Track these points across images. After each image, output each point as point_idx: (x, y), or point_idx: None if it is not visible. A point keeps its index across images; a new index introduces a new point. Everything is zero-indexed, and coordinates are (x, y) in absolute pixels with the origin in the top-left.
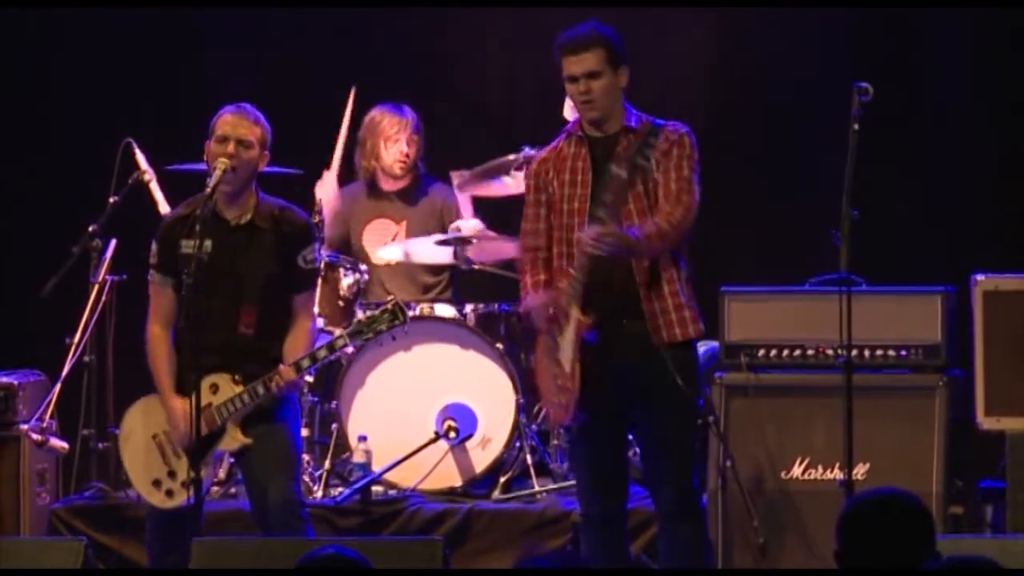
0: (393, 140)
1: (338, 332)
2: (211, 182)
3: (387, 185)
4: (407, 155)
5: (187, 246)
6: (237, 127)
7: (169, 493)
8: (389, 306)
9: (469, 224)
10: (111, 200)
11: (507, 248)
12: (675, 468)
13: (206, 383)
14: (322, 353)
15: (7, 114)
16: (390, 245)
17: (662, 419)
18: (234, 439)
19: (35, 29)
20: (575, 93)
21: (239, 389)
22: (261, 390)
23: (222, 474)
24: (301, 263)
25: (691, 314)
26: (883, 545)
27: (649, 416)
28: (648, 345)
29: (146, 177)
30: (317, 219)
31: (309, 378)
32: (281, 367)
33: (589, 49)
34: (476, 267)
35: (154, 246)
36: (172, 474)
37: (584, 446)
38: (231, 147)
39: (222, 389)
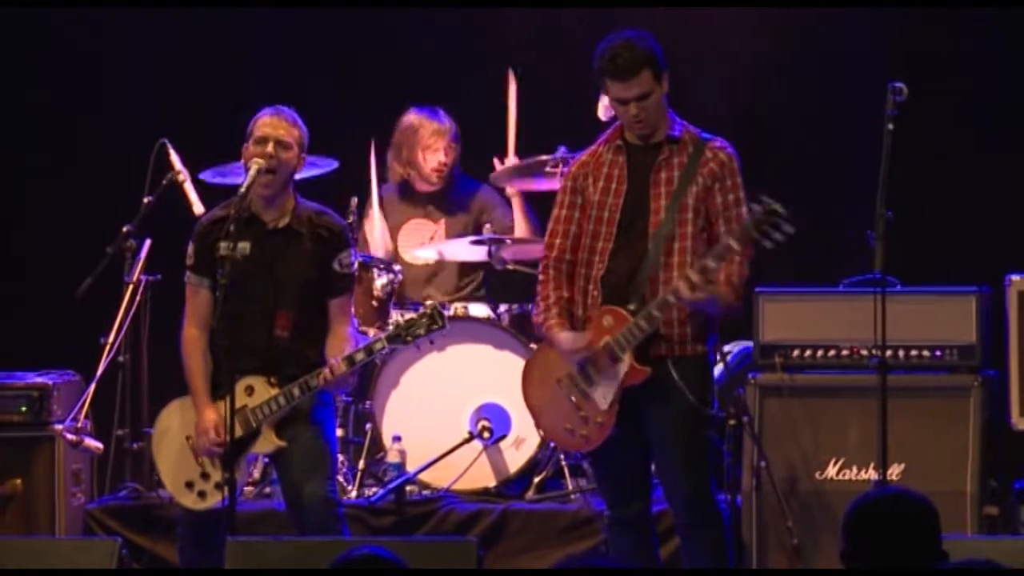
0: (432, 149)
1: (374, 333)
2: (245, 182)
3: (422, 187)
4: (445, 164)
5: (224, 248)
6: (275, 129)
7: (202, 495)
8: (428, 310)
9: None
10: (145, 200)
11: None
12: (685, 476)
13: (241, 385)
14: (360, 356)
15: (41, 114)
16: (427, 245)
17: (667, 428)
18: (269, 441)
19: (70, 29)
20: (625, 115)
21: (275, 391)
22: (297, 392)
23: (256, 474)
24: (337, 267)
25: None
26: (887, 545)
27: (656, 426)
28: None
29: (180, 177)
30: (351, 219)
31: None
32: (331, 361)
33: (638, 74)
34: (511, 267)
35: (191, 247)
36: (205, 475)
37: (604, 455)
38: (269, 148)
39: (257, 391)
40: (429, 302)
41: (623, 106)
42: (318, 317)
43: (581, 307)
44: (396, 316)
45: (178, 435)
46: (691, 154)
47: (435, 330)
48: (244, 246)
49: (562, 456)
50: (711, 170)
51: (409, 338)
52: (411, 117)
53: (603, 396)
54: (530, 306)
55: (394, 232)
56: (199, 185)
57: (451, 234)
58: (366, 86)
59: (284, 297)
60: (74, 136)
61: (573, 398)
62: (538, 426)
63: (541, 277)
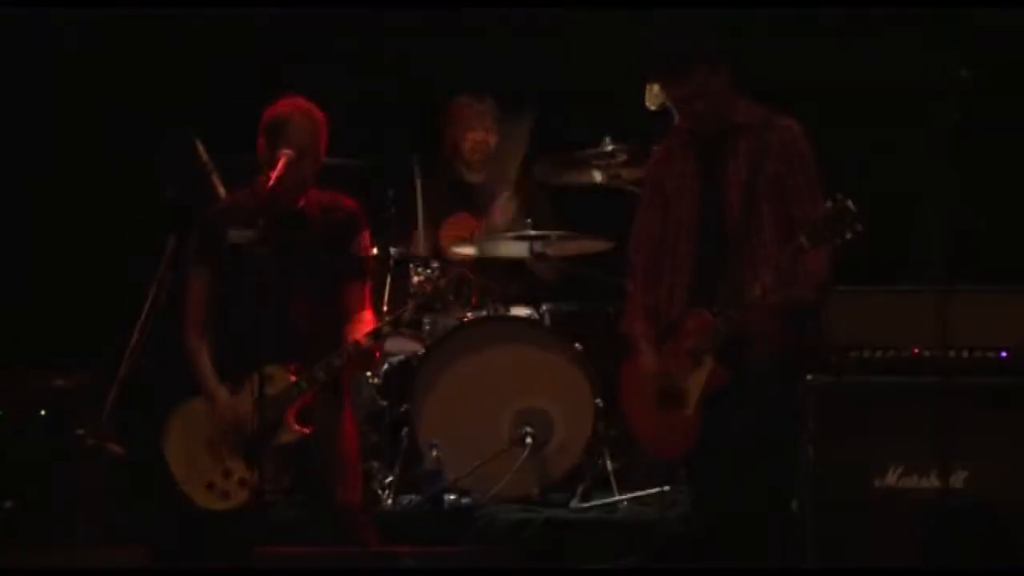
0: (473, 128)
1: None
2: (274, 175)
3: (469, 178)
4: (486, 143)
5: (236, 236)
6: (294, 121)
7: (225, 494)
8: (453, 276)
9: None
10: (169, 196)
11: (587, 245)
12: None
13: (258, 374)
14: (386, 328)
15: (70, 112)
16: (468, 240)
17: (744, 431)
18: (292, 431)
19: (96, 26)
20: (683, 111)
21: (294, 378)
22: (321, 375)
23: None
24: (355, 250)
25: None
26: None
27: (734, 429)
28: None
29: (208, 171)
30: (392, 210)
31: (375, 379)
32: (356, 336)
33: (690, 73)
34: (553, 264)
35: (196, 236)
36: (227, 473)
37: (692, 460)
38: (288, 141)
39: (276, 380)
40: (454, 269)
41: (679, 103)
42: (335, 303)
43: (666, 311)
44: (418, 281)
45: (189, 437)
46: (758, 138)
47: (464, 295)
48: (247, 233)
49: (608, 462)
50: (778, 152)
51: (438, 303)
52: (454, 101)
53: (687, 400)
54: (575, 304)
55: (438, 226)
56: (227, 179)
57: (494, 229)
58: (394, 79)
59: (300, 283)
60: (94, 134)
61: (657, 404)
62: (630, 430)
63: (630, 282)
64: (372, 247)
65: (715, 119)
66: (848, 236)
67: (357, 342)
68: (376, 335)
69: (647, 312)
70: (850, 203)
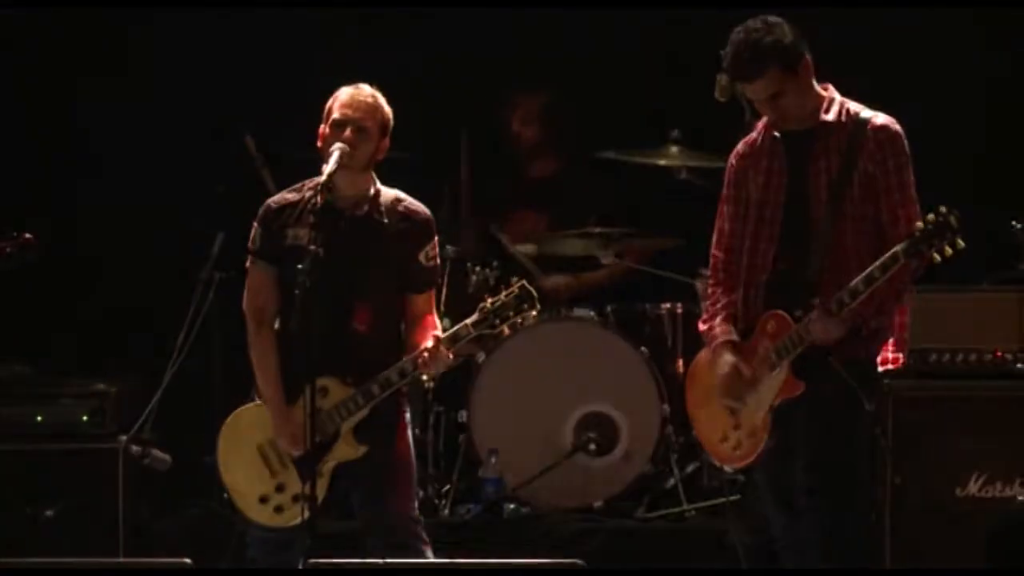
0: (528, 116)
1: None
2: (327, 170)
3: (531, 172)
4: (543, 132)
5: (294, 236)
6: (355, 110)
7: (278, 509)
8: (516, 289)
9: None
10: (220, 190)
11: (654, 242)
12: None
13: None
14: (447, 342)
15: (111, 109)
16: (530, 237)
17: (816, 443)
18: (349, 447)
19: (140, 22)
20: (762, 111)
21: (351, 391)
22: (376, 390)
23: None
24: (423, 260)
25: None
26: None
27: (806, 440)
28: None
29: (259, 165)
30: (446, 207)
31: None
32: (432, 337)
33: (763, 75)
34: (620, 262)
35: (256, 230)
36: (281, 487)
37: (758, 470)
38: (348, 132)
39: (332, 392)
40: (516, 280)
41: (756, 103)
42: (398, 312)
43: (743, 311)
44: (486, 302)
45: (247, 445)
46: (850, 137)
47: (526, 311)
48: (309, 233)
49: (676, 470)
50: (871, 153)
51: (498, 321)
52: (517, 90)
53: (757, 407)
54: (643, 305)
55: (500, 224)
56: (278, 173)
57: (558, 225)
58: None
59: (363, 289)
60: (146, 128)
61: (728, 408)
62: (697, 435)
63: (711, 280)
64: (438, 256)
65: (798, 120)
66: (948, 252)
67: (414, 361)
68: (454, 338)
69: (728, 315)
70: (954, 217)
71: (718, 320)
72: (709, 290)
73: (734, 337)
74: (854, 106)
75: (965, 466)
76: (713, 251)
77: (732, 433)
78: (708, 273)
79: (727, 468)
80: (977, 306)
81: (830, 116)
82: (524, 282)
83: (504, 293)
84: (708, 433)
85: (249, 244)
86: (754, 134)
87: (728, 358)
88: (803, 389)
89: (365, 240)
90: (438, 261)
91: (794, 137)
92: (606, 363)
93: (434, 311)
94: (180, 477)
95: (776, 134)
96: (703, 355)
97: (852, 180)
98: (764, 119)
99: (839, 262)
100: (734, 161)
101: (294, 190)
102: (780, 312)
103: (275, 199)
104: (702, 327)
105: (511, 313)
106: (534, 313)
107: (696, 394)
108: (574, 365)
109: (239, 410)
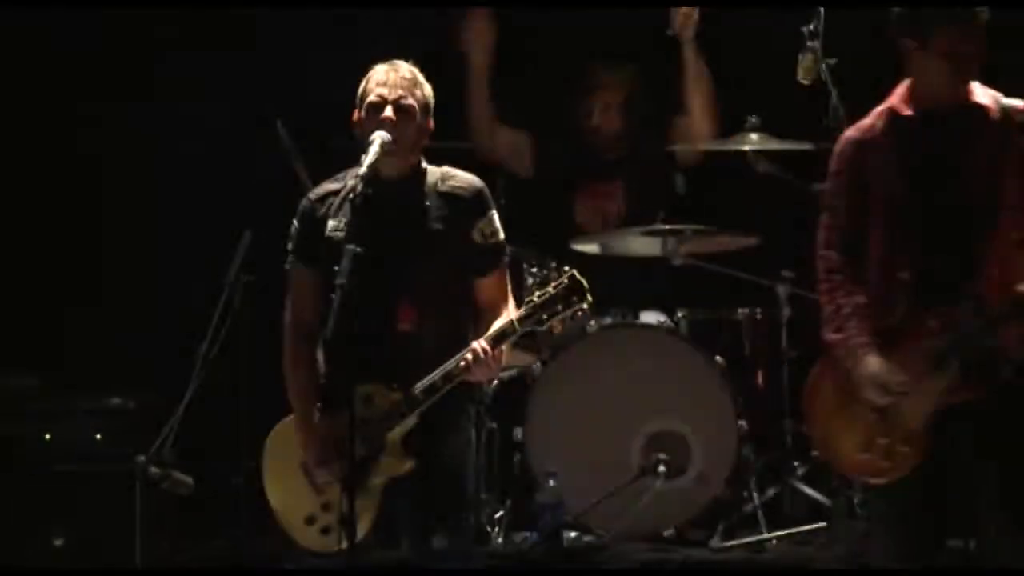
0: (608, 96)
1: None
2: (367, 160)
3: (604, 156)
4: (621, 117)
5: (334, 228)
6: (392, 88)
7: (325, 531)
8: (565, 279)
9: None
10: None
11: (729, 241)
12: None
13: (356, 395)
14: (491, 339)
15: (129, 109)
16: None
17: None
18: (396, 462)
19: (171, 20)
20: (949, 72)
21: (397, 398)
22: (421, 395)
23: None
24: (477, 238)
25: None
26: None
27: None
28: None
29: (292, 157)
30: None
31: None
32: (475, 343)
33: (981, 17)
34: (691, 263)
35: (295, 227)
36: (327, 506)
37: (897, 488)
38: (387, 114)
39: (377, 401)
40: (565, 270)
41: (952, 62)
42: (455, 304)
43: (879, 314)
44: (533, 296)
45: (291, 461)
46: (998, 121)
47: (576, 305)
48: (348, 229)
49: (755, 495)
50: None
51: (546, 315)
52: (591, 66)
53: (914, 412)
54: (717, 311)
55: (571, 207)
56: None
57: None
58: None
59: (407, 285)
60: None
61: (874, 418)
62: (824, 455)
63: (826, 284)
64: (500, 230)
65: (932, 98)
66: None
67: (457, 363)
68: (501, 336)
69: (861, 318)
70: None
71: (852, 324)
72: (825, 296)
73: (876, 343)
74: (989, 90)
75: None
76: (823, 251)
77: (879, 449)
78: (825, 277)
79: (871, 481)
80: None
81: (985, 99)
82: (574, 272)
83: (552, 285)
84: (845, 444)
85: (288, 244)
86: (869, 119)
87: (877, 362)
88: (971, 397)
89: (408, 230)
90: (500, 237)
91: (930, 120)
92: (677, 376)
93: (509, 297)
94: (203, 503)
95: (906, 114)
96: (824, 368)
97: (1006, 169)
98: (889, 102)
99: (1000, 256)
100: (847, 150)
101: (335, 180)
102: (944, 308)
103: (315, 191)
104: (834, 336)
105: (560, 307)
106: (584, 306)
107: (826, 404)
108: (641, 378)
109: (287, 420)
